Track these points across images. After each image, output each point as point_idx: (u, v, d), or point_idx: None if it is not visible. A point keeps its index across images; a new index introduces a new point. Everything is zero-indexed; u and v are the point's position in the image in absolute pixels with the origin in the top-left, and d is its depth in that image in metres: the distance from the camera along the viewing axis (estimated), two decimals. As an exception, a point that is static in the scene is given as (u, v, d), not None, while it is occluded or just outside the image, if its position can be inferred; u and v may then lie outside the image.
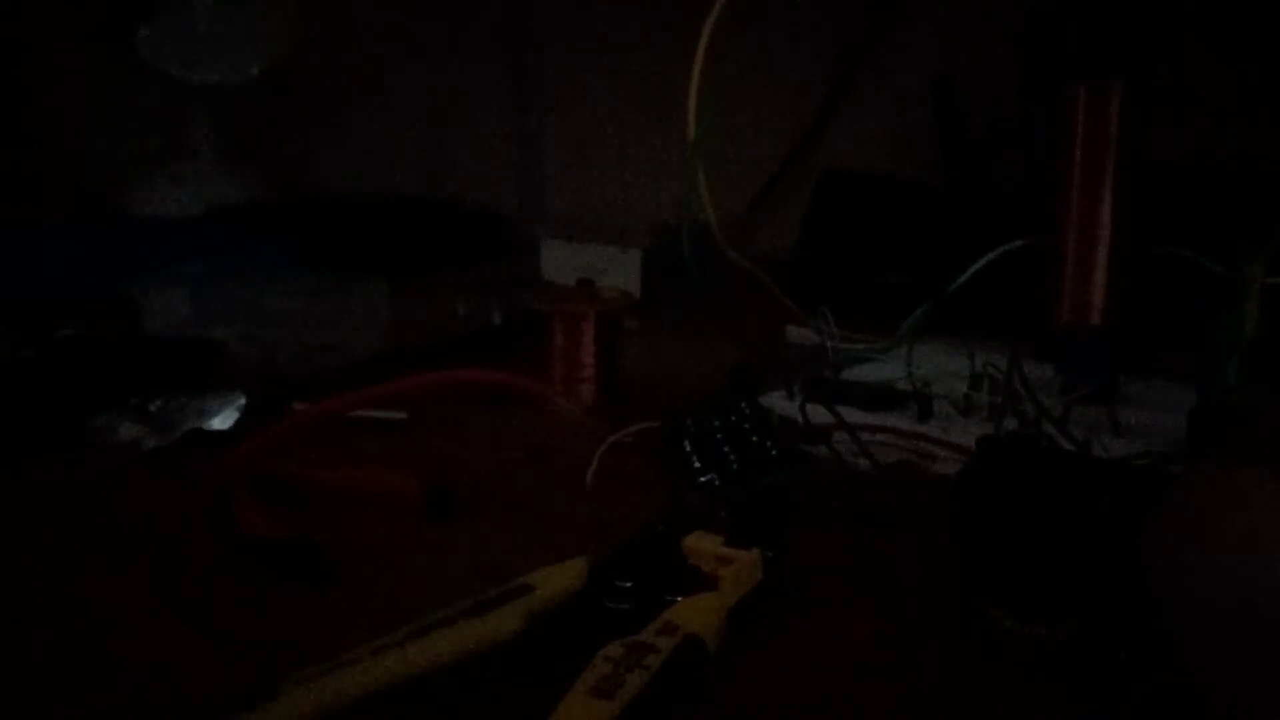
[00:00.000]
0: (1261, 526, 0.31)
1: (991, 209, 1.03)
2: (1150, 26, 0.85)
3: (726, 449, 0.67)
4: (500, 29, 1.51)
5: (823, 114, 1.25)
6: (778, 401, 0.79)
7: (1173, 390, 0.81)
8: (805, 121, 1.27)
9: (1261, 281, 0.80)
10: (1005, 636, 0.51)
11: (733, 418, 0.68)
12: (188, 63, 1.48)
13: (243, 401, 0.76)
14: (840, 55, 1.23)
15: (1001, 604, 0.51)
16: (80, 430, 0.75)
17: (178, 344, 0.89)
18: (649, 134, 1.31)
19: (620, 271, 1.15)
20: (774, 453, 0.67)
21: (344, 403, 0.48)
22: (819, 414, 0.72)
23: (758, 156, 1.28)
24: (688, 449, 0.67)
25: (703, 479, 0.64)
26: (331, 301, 0.98)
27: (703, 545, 0.54)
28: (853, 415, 0.74)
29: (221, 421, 0.75)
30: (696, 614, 0.48)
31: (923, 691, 0.48)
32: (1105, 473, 0.55)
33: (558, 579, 0.49)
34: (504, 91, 1.52)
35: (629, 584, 0.50)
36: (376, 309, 0.99)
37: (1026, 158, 0.98)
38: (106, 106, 1.57)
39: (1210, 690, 0.30)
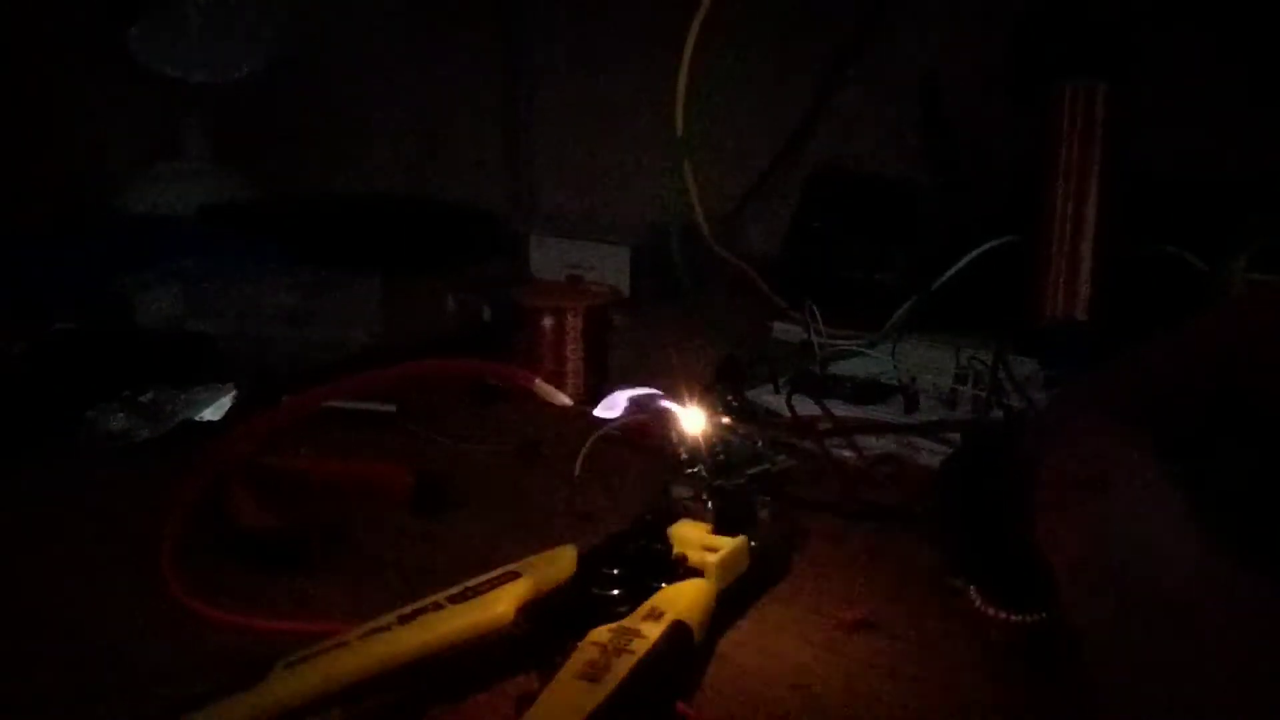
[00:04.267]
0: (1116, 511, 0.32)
1: (977, 207, 1.03)
2: (1135, 29, 0.86)
3: (713, 441, 0.67)
4: (490, 28, 1.52)
5: (811, 112, 1.26)
6: (765, 396, 0.80)
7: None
8: (793, 119, 1.27)
9: (1244, 277, 0.82)
10: (990, 623, 0.51)
11: (721, 410, 0.69)
12: (179, 62, 1.48)
13: (234, 394, 0.77)
14: (828, 53, 1.24)
15: (986, 591, 0.52)
16: (74, 423, 0.75)
17: (170, 338, 0.90)
18: (638, 132, 1.32)
19: (609, 268, 1.16)
20: (760, 445, 0.67)
21: (332, 392, 0.49)
22: (806, 407, 0.73)
23: (746, 154, 1.29)
24: (674, 441, 0.67)
25: (690, 470, 0.65)
26: (322, 298, 0.99)
27: (690, 534, 0.54)
28: (839, 409, 0.75)
29: (213, 413, 0.75)
30: (683, 600, 0.48)
31: (908, 677, 0.49)
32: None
33: (546, 566, 0.50)
34: (494, 90, 1.53)
35: (616, 571, 0.51)
36: (367, 306, 1.00)
37: (1013, 155, 0.99)
38: (99, 106, 1.57)
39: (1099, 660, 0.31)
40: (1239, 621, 0.27)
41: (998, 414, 0.71)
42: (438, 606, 0.46)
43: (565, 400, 0.52)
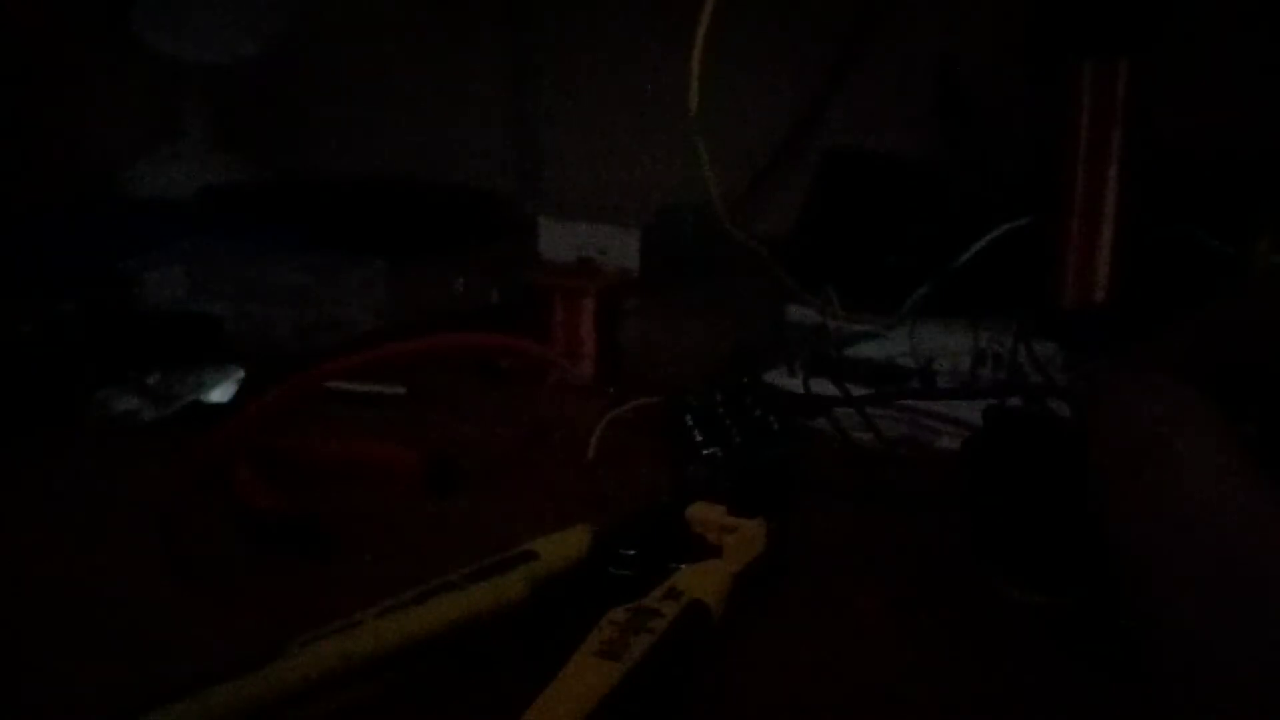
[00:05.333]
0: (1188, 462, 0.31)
1: (994, 188, 1.02)
2: (1156, 3, 0.84)
3: (729, 423, 0.66)
4: (498, 7, 1.51)
5: (825, 91, 1.25)
6: (780, 379, 0.79)
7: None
8: (808, 99, 1.26)
9: (1268, 259, 0.80)
10: (1011, 606, 0.50)
11: (735, 393, 0.68)
12: (183, 42, 1.47)
13: (241, 375, 0.76)
14: (843, 32, 1.22)
15: (1007, 574, 0.51)
16: (80, 405, 0.74)
17: (176, 319, 0.89)
18: (648, 113, 1.31)
19: (619, 251, 1.15)
20: (777, 427, 0.66)
21: (343, 365, 0.47)
22: (822, 389, 0.72)
23: (760, 134, 1.28)
24: (689, 423, 0.66)
25: (706, 452, 0.64)
26: (328, 280, 0.98)
27: (706, 514, 0.53)
28: (856, 391, 0.74)
29: (220, 394, 0.75)
30: (701, 580, 0.48)
31: (928, 659, 0.48)
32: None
33: (561, 545, 0.49)
34: (502, 70, 1.52)
35: (633, 552, 0.50)
36: (374, 287, 0.99)
37: (1030, 135, 0.98)
38: (101, 87, 1.56)
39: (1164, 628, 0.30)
40: None
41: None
42: (452, 585, 0.45)
43: (583, 375, 0.51)
